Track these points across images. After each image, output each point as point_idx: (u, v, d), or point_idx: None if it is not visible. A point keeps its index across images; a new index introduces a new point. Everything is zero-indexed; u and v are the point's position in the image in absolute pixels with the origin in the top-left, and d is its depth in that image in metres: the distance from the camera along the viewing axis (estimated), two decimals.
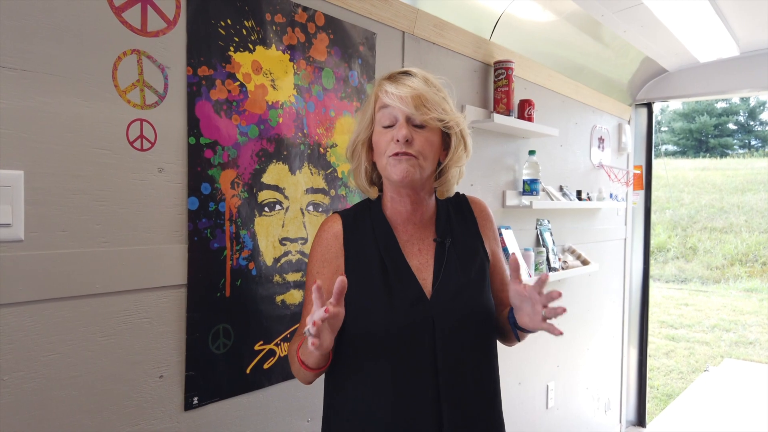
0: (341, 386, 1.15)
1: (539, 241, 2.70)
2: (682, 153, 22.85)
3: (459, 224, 1.23)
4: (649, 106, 3.77)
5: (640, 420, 3.95)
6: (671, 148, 23.62)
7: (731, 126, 23.83)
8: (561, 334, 0.99)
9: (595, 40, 2.84)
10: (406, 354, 1.08)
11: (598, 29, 2.72)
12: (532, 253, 2.53)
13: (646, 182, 3.79)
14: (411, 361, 1.08)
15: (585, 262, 2.94)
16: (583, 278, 3.11)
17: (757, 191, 15.05)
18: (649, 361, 4.11)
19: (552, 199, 2.70)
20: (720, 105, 23.46)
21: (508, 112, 2.24)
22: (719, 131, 23.52)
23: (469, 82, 2.22)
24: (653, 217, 3.94)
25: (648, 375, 4.03)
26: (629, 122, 3.68)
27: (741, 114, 23.81)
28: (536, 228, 2.71)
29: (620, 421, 3.80)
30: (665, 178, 16.19)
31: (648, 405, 4.07)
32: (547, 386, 2.88)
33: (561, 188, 2.88)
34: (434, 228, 1.20)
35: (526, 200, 2.46)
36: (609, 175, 3.36)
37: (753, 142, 23.30)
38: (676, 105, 23.95)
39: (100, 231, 1.15)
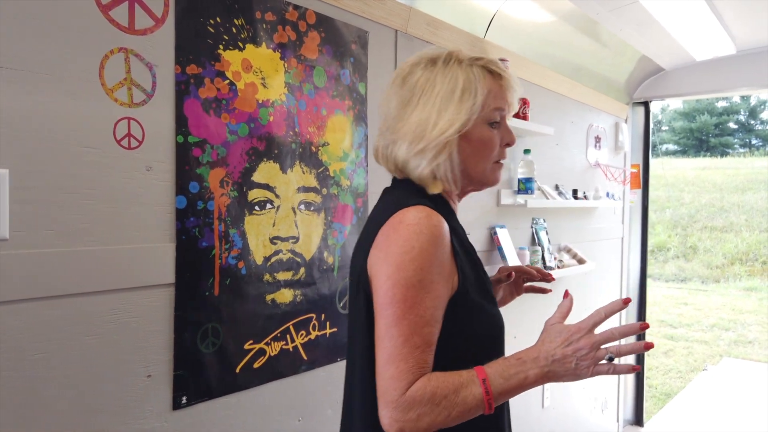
0: None
1: (534, 240, 2.70)
2: (683, 152, 22.85)
3: None
4: (646, 104, 3.76)
5: (638, 419, 3.95)
6: (672, 147, 23.62)
7: (732, 125, 23.82)
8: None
9: (591, 38, 2.83)
10: (502, 350, 1.06)
11: (594, 28, 2.71)
12: (527, 252, 2.53)
13: (643, 181, 3.79)
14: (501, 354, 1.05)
15: (581, 261, 2.94)
16: (579, 277, 3.10)
17: (758, 190, 15.04)
18: (648, 361, 4.12)
19: (547, 198, 2.69)
20: (721, 104, 23.45)
21: None
22: (720, 130, 23.50)
23: None
24: (653, 216, 3.95)
25: (646, 374, 4.03)
26: (626, 121, 3.67)
27: (742, 113, 23.80)
28: (532, 227, 2.70)
29: (617, 421, 3.79)
30: (665, 177, 16.18)
31: (646, 404, 4.06)
32: (543, 386, 2.87)
33: (557, 187, 2.87)
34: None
35: (521, 199, 2.46)
36: (605, 174, 3.35)
37: (754, 141, 23.30)
38: (676, 104, 23.95)
39: (86, 230, 1.15)
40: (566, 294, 1.01)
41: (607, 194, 3.34)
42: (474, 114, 0.98)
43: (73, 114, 1.12)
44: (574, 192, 2.95)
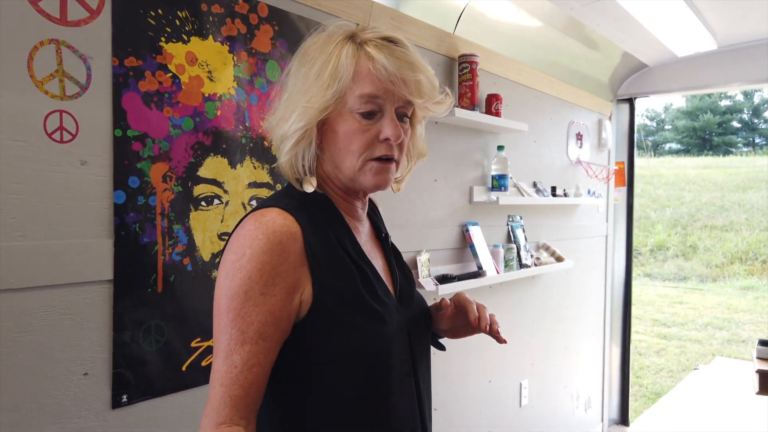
0: (301, 414, 0.88)
1: (510, 238, 2.67)
2: (686, 151, 22.73)
3: (377, 218, 1.10)
4: (630, 101, 3.72)
5: (623, 418, 3.92)
6: (675, 146, 23.51)
7: (735, 124, 23.69)
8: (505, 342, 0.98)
9: (572, 36, 2.80)
10: (392, 367, 0.91)
11: (574, 24, 2.68)
12: (502, 250, 2.50)
13: (628, 178, 3.75)
14: (394, 373, 0.92)
15: (559, 259, 2.91)
16: (558, 275, 3.07)
17: (759, 189, 14.95)
18: (640, 360, 4.07)
19: (523, 195, 2.66)
20: (724, 103, 23.33)
21: (472, 107, 2.21)
22: (723, 129, 23.38)
23: None
24: (653, 215, 3.90)
25: (637, 373, 4.00)
26: (610, 118, 3.63)
27: (745, 112, 23.67)
28: (507, 224, 2.67)
29: (602, 420, 3.76)
30: (666, 176, 16.11)
31: (636, 403, 4.04)
32: (521, 384, 2.84)
33: (534, 184, 2.84)
34: (370, 222, 1.05)
35: (494, 196, 2.43)
36: (587, 172, 3.32)
37: (757, 140, 23.16)
38: (679, 103, 23.83)
39: (15, 224, 1.12)
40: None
41: (589, 192, 3.31)
42: (333, 102, 0.86)
43: None
44: (553, 189, 2.91)
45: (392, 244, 1.07)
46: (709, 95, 21.64)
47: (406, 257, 2.09)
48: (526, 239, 2.72)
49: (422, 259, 2.14)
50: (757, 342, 3.13)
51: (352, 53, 0.87)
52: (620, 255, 3.83)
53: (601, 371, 3.73)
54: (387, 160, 0.90)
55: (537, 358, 2.98)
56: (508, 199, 2.44)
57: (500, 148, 2.44)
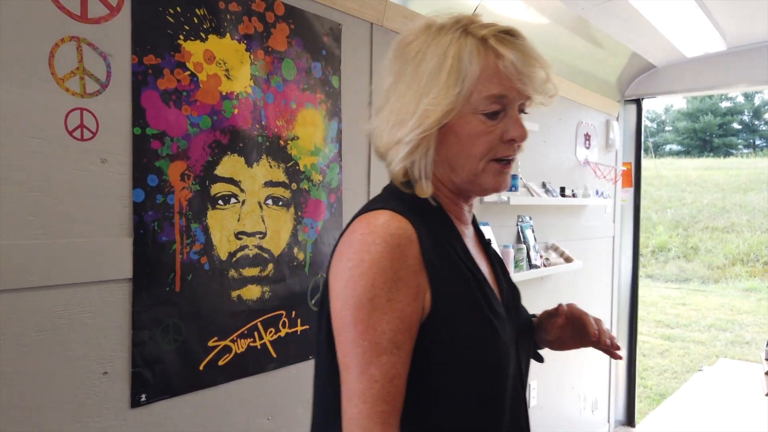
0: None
1: (520, 238, 2.66)
2: (686, 152, 22.74)
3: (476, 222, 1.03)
4: (638, 102, 3.72)
5: (630, 419, 3.91)
6: (675, 147, 23.52)
7: (736, 125, 23.71)
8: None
9: (581, 35, 2.80)
10: (507, 378, 0.88)
11: (583, 24, 2.68)
12: (512, 250, 2.49)
13: (635, 179, 3.75)
14: (508, 385, 0.88)
15: (568, 260, 2.90)
16: (567, 275, 3.07)
17: (760, 191, 14.95)
18: (644, 361, 4.07)
19: (533, 195, 2.66)
20: (725, 104, 23.35)
21: None
22: (724, 131, 23.40)
23: None
24: (654, 216, 3.89)
25: (641, 374, 4.00)
26: (617, 119, 3.63)
27: (746, 113, 23.68)
28: (517, 224, 2.67)
29: (608, 421, 3.76)
30: (667, 177, 16.11)
31: (641, 405, 4.03)
32: (530, 384, 2.84)
33: (543, 184, 2.84)
34: (474, 228, 0.98)
35: (504, 196, 2.42)
36: (595, 172, 3.31)
37: (758, 142, 23.17)
38: (680, 104, 23.84)
39: (36, 223, 1.12)
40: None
41: (597, 192, 3.30)
42: (459, 103, 0.81)
43: (21, 104, 1.09)
44: (562, 190, 2.91)
45: (494, 250, 1.01)
46: (710, 97, 21.62)
47: None
48: (535, 240, 2.71)
49: None
50: (765, 344, 3.13)
51: (475, 49, 0.81)
52: (627, 256, 3.82)
53: (607, 372, 3.72)
54: (508, 161, 0.86)
55: (545, 358, 2.97)
56: (519, 199, 2.44)
57: None
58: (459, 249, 0.86)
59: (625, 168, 3.66)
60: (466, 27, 0.83)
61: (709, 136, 23.49)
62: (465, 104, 0.81)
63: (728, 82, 3.31)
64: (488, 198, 2.42)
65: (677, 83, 3.50)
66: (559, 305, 1.00)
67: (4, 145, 1.07)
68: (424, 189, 0.85)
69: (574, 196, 3.02)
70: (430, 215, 0.85)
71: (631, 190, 3.75)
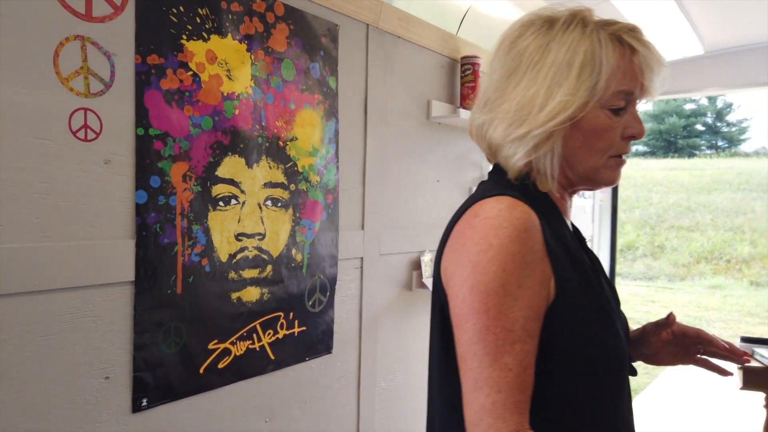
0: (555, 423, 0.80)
1: None
2: (652, 153, 23.31)
3: None
4: None
5: None
6: (642, 148, 24.08)
7: (699, 127, 24.40)
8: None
9: None
10: (624, 378, 0.86)
11: None
12: None
13: None
14: (626, 385, 0.87)
15: None
16: None
17: (723, 191, 15.43)
18: None
19: None
20: (689, 106, 24.00)
21: None
22: (688, 132, 24.06)
23: (436, 77, 2.20)
24: (623, 215, 3.99)
25: None
26: None
27: (709, 115, 24.40)
28: None
29: None
30: (634, 177, 16.48)
31: None
32: None
33: None
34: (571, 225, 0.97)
35: None
36: None
37: (720, 143, 23.90)
38: (646, 106, 24.33)
39: (39, 225, 1.09)
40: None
41: (579, 193, 3.37)
42: (594, 97, 0.79)
43: (25, 104, 1.06)
44: None
45: (590, 248, 1.00)
46: (675, 99, 22.21)
47: (409, 258, 2.11)
48: None
49: (425, 259, 2.15)
50: (738, 339, 3.23)
51: (611, 44, 0.80)
52: (605, 255, 3.91)
53: None
54: (621, 156, 0.86)
55: None
56: None
57: None
58: (571, 240, 0.85)
59: None
60: (589, 21, 0.82)
61: (673, 137, 24.13)
62: (596, 98, 0.80)
63: (703, 85, 3.40)
64: None
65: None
66: (671, 314, 0.99)
67: (7, 145, 1.04)
68: (548, 183, 0.83)
69: None
70: (542, 205, 0.82)
71: (609, 191, 3.83)
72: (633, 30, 0.83)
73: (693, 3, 2.54)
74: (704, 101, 24.09)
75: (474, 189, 2.43)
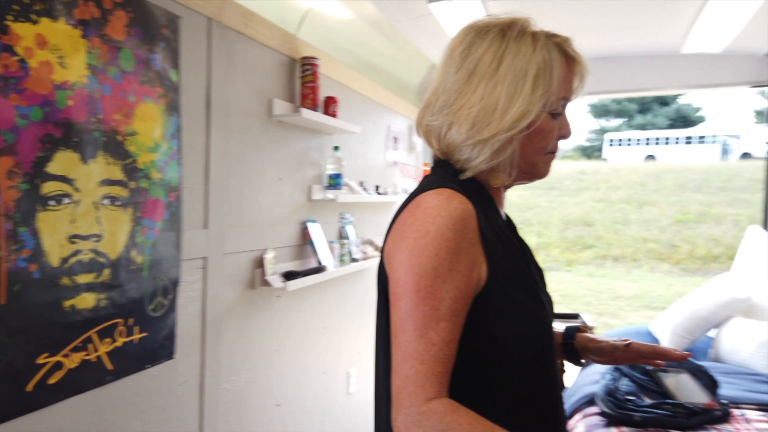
0: (486, 405, 0.84)
1: (342, 234, 2.81)
2: None
3: None
4: None
5: None
6: None
7: None
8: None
9: (390, 42, 3.04)
10: (548, 354, 0.93)
11: (393, 33, 2.91)
12: (336, 245, 2.62)
13: None
14: (549, 361, 0.94)
15: None
16: None
17: (514, 189, 17.39)
18: None
19: (354, 193, 2.82)
20: None
21: (315, 108, 2.28)
22: None
23: (276, 75, 2.21)
24: None
25: None
26: None
27: None
28: (339, 221, 2.81)
29: None
30: None
31: None
32: (348, 372, 3.01)
33: (361, 183, 3.02)
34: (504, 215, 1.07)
35: (330, 194, 2.54)
36: (402, 172, 3.62)
37: None
38: None
39: None
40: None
41: (404, 190, 3.61)
42: (547, 103, 0.89)
43: None
44: (377, 188, 3.13)
45: (520, 235, 1.08)
46: None
47: (252, 256, 2.10)
48: (356, 235, 2.88)
49: (269, 257, 2.15)
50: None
51: (558, 55, 0.90)
52: None
53: None
54: (553, 153, 0.96)
55: (362, 346, 3.18)
56: (345, 197, 2.58)
57: (336, 148, 2.56)
58: (504, 228, 0.95)
59: (425, 168, 4.06)
60: (538, 34, 0.90)
61: None
62: (548, 105, 0.90)
63: None
64: (316, 196, 2.51)
65: None
66: (630, 344, 1.08)
67: None
68: (504, 180, 0.94)
69: (386, 193, 3.27)
70: (479, 196, 0.92)
71: None
72: (569, 41, 0.93)
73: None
74: None
75: (313, 187, 2.49)
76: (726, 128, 21.16)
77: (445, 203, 0.84)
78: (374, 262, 3.02)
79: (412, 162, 3.92)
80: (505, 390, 0.88)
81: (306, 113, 2.19)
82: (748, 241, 3.50)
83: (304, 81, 2.28)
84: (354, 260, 2.80)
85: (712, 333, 3.24)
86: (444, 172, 0.94)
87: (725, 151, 20.15)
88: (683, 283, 10.02)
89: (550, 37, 0.91)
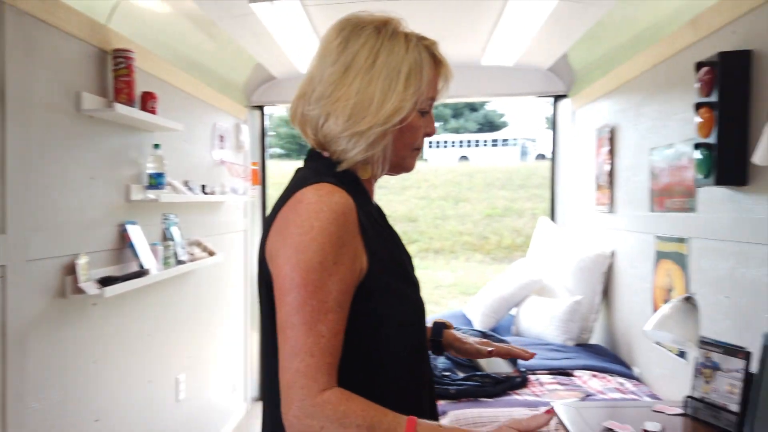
0: (372, 389, 0.89)
1: (166, 236, 2.70)
2: (288, 156, 25.46)
3: None
4: (261, 108, 4.14)
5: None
6: (279, 151, 26.07)
7: None
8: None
9: (212, 39, 2.98)
10: (422, 336, 1.02)
11: (215, 30, 2.87)
12: (160, 248, 2.52)
13: (262, 178, 4.17)
14: (424, 341, 1.03)
15: (211, 253, 3.07)
16: (210, 269, 3.23)
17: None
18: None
19: (179, 193, 2.73)
20: None
21: (131, 103, 2.17)
22: None
23: (85, 68, 2.06)
24: (268, 212, 4.32)
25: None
26: (245, 122, 3.97)
27: None
28: (163, 222, 2.69)
29: (245, 399, 4.09)
30: (275, 177, 17.77)
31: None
32: (177, 379, 2.90)
33: (186, 183, 2.93)
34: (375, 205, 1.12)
35: (152, 194, 2.43)
36: (230, 171, 3.57)
37: None
38: (281, 112, 26.51)
39: None
40: (550, 411, 0.90)
41: (231, 190, 3.56)
42: (418, 101, 0.95)
43: None
44: (203, 187, 3.06)
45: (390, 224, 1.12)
46: None
47: (61, 262, 1.93)
48: (181, 236, 2.79)
49: (81, 262, 2.00)
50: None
51: (428, 56, 0.97)
52: (257, 248, 4.21)
53: (243, 356, 4.05)
54: (419, 149, 1.03)
55: (193, 351, 3.08)
56: (168, 196, 2.48)
57: (156, 146, 2.46)
58: (378, 219, 1.02)
59: (254, 167, 4.04)
60: (411, 34, 0.97)
61: (304, 141, 26.80)
62: (418, 103, 0.96)
63: None
64: (135, 197, 2.38)
65: (293, 94, 4.03)
66: (492, 350, 1.18)
67: None
68: (377, 172, 0.99)
69: (213, 193, 3.20)
70: (354, 188, 0.95)
71: (259, 188, 4.15)
72: (437, 44, 1.00)
73: (322, 24, 2.99)
74: None
75: (131, 187, 2.38)
76: (524, 132, 23.99)
77: (327, 198, 0.87)
78: (203, 264, 2.95)
79: (240, 161, 3.88)
80: (389, 373, 0.94)
81: (120, 108, 2.08)
82: (539, 230, 4.05)
83: (117, 75, 2.15)
84: (180, 262, 2.70)
85: (513, 311, 3.70)
86: (319, 166, 0.98)
87: (524, 153, 22.85)
88: (493, 270, 11.18)
89: (420, 39, 0.98)
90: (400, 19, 0.99)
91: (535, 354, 1.22)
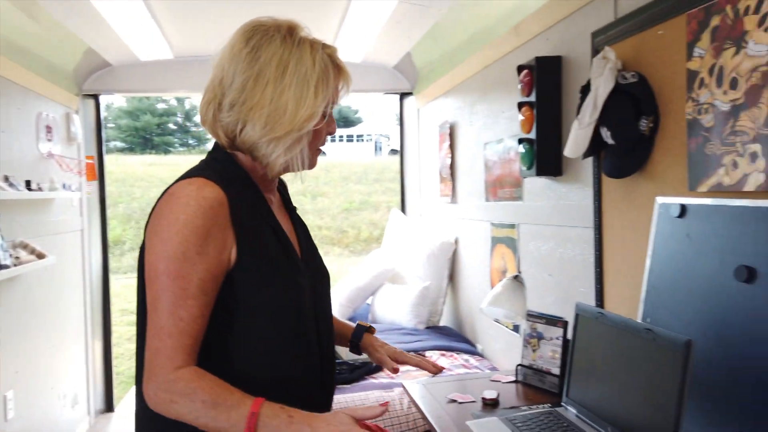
0: (243, 372, 0.98)
1: None
2: (131, 149, 23.69)
3: (286, 192, 1.23)
4: (96, 97, 3.82)
5: (109, 406, 4.03)
6: (120, 144, 24.13)
7: (172, 126, 26.28)
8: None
9: (36, 22, 2.69)
10: (302, 323, 1.05)
11: (37, 10, 2.59)
12: None
13: (99, 173, 3.85)
14: (305, 329, 1.05)
15: (40, 256, 2.78)
16: (39, 273, 2.93)
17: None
18: (115, 349, 4.18)
19: None
20: (161, 106, 25.47)
21: None
22: (162, 130, 25.57)
23: None
24: (108, 211, 4.04)
25: (114, 362, 4.13)
26: (77, 112, 3.64)
27: (179, 115, 26.55)
28: None
29: (89, 413, 3.78)
30: (116, 173, 16.45)
31: (117, 390, 4.19)
32: (5, 396, 2.60)
33: (6, 178, 2.62)
34: (280, 196, 1.18)
35: None
36: (60, 165, 3.25)
37: (190, 141, 26.39)
38: (121, 102, 24.56)
39: None
40: (385, 404, 0.96)
41: (64, 186, 3.26)
42: (327, 107, 1.02)
43: None
44: (28, 183, 2.76)
45: (298, 215, 1.20)
46: (148, 98, 23.19)
47: None
48: (3, 238, 2.49)
49: None
50: None
51: (331, 64, 1.02)
52: (96, 249, 3.90)
53: (85, 366, 3.73)
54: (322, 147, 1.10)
55: (22, 365, 2.78)
56: None
57: None
58: (264, 211, 1.06)
59: (89, 161, 3.72)
60: (312, 41, 1.02)
61: (149, 134, 25.21)
62: (325, 108, 1.03)
63: (173, 86, 3.83)
64: None
65: (130, 83, 3.78)
66: (395, 369, 1.29)
67: None
68: (273, 170, 1.04)
69: (40, 189, 2.90)
70: (238, 182, 1.02)
71: (96, 183, 3.83)
72: (337, 51, 1.06)
73: (162, 11, 2.84)
74: (174, 102, 26.06)
75: None
76: (378, 129, 24.72)
77: (196, 192, 0.93)
78: (32, 267, 2.67)
79: (73, 154, 3.54)
80: (263, 357, 1.01)
81: None
82: (391, 222, 4.23)
83: None
84: (3, 267, 2.42)
85: (369, 300, 3.83)
86: (208, 159, 1.06)
87: (378, 148, 23.55)
88: (352, 263, 11.41)
89: (324, 47, 1.04)
90: (303, 25, 1.05)
91: (443, 368, 1.38)
